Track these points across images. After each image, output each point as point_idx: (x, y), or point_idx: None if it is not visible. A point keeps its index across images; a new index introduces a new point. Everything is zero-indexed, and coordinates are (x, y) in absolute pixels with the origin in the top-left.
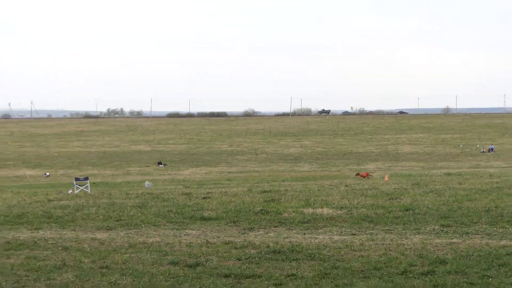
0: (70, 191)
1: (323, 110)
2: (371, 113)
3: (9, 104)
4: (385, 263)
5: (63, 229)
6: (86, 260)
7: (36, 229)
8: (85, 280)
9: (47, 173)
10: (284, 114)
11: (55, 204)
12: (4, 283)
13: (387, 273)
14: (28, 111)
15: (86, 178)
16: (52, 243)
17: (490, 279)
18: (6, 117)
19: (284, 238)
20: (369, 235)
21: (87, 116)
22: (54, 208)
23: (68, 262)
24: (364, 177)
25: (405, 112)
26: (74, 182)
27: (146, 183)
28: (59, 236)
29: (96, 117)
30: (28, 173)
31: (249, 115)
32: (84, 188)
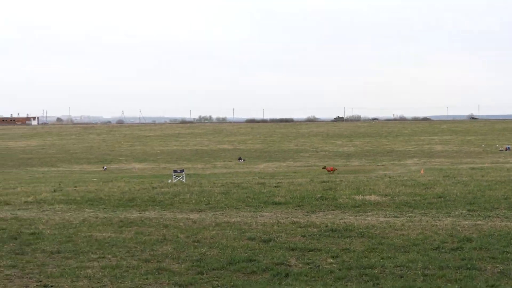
0: (169, 181)
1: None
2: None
3: (123, 112)
4: (421, 240)
5: (164, 210)
6: (181, 236)
7: (143, 211)
8: (181, 251)
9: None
10: (339, 120)
11: (158, 191)
12: (118, 252)
13: (423, 248)
14: (137, 117)
15: (182, 170)
16: (155, 222)
17: (509, 254)
18: (120, 122)
19: (340, 219)
20: (408, 218)
21: (183, 121)
22: (157, 194)
23: (167, 236)
24: (329, 172)
25: (476, 118)
26: (173, 173)
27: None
28: (160, 216)
29: (190, 122)
30: (137, 166)
31: (311, 120)
32: (180, 178)
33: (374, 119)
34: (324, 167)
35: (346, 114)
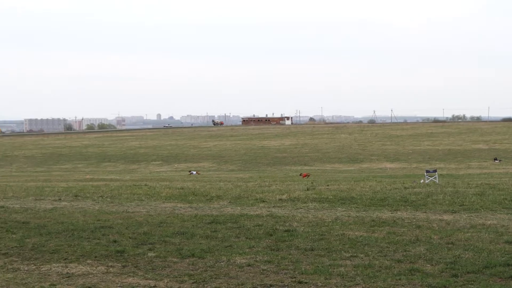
0: (422, 181)
1: None
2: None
3: (374, 111)
4: None
5: (416, 211)
6: (435, 237)
7: (395, 210)
8: (434, 253)
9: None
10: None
11: (410, 191)
12: (370, 252)
13: None
14: (388, 117)
15: (435, 171)
16: (408, 222)
17: None
18: (371, 122)
19: None
20: None
21: (436, 120)
22: (409, 194)
23: (420, 237)
24: (304, 177)
25: None
26: (425, 173)
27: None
28: (413, 216)
29: (443, 121)
30: (388, 166)
31: None
32: (433, 178)
33: None
34: (300, 174)
35: None
